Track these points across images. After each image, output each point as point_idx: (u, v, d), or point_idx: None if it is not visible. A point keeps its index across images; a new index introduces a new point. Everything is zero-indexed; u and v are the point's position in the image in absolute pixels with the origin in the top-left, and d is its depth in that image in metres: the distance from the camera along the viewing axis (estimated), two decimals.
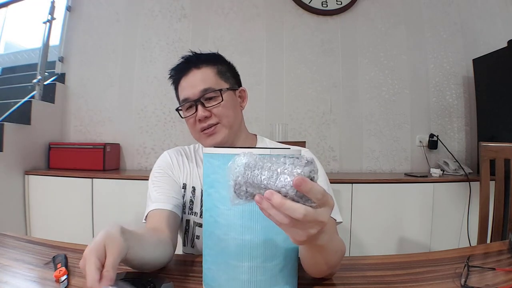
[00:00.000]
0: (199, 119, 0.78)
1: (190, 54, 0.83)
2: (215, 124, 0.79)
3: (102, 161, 2.10)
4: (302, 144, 1.53)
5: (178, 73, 0.83)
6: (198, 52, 0.84)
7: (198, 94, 0.79)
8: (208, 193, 0.55)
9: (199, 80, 0.79)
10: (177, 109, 0.84)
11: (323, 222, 0.41)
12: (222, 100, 0.79)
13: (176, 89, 0.85)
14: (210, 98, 0.79)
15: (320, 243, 0.46)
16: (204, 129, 0.79)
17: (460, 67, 2.40)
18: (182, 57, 0.83)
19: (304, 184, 0.37)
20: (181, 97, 0.82)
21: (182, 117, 0.83)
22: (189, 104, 0.81)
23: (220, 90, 0.79)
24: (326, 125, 2.38)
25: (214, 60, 0.83)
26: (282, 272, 0.53)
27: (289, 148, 0.55)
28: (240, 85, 0.88)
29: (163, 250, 0.66)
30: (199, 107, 0.78)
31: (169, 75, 0.86)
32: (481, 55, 2.16)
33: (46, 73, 2.27)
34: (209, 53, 0.84)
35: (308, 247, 0.51)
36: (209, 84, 0.79)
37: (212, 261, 0.55)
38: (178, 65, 0.83)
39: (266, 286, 0.52)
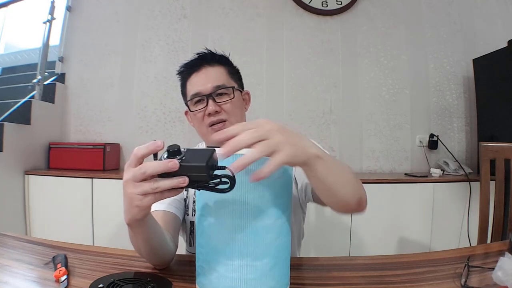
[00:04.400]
0: (209, 113, 0.80)
1: (205, 51, 0.86)
2: (224, 121, 0.81)
3: (102, 161, 2.10)
4: None
5: (189, 69, 0.85)
6: (213, 51, 0.86)
7: (211, 89, 0.81)
8: (199, 192, 0.55)
9: (212, 76, 0.82)
10: (186, 103, 0.86)
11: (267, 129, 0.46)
12: (234, 96, 0.82)
13: (184, 84, 0.87)
14: (221, 94, 0.82)
15: (316, 152, 0.48)
16: (213, 124, 0.81)
17: (460, 67, 2.40)
18: (197, 53, 0.86)
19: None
20: (191, 92, 0.83)
21: (191, 111, 0.85)
22: (199, 99, 0.82)
23: (233, 87, 0.83)
24: (326, 125, 2.38)
25: (226, 61, 0.87)
26: (272, 270, 0.53)
27: None
28: (243, 88, 0.92)
29: (170, 242, 0.67)
30: (210, 101, 0.80)
31: (179, 70, 0.87)
32: (481, 55, 2.16)
33: (46, 73, 2.27)
34: (222, 54, 0.88)
35: (308, 168, 0.50)
36: (222, 81, 0.82)
37: (204, 259, 0.55)
38: (191, 61, 0.85)
39: (256, 285, 0.52)
